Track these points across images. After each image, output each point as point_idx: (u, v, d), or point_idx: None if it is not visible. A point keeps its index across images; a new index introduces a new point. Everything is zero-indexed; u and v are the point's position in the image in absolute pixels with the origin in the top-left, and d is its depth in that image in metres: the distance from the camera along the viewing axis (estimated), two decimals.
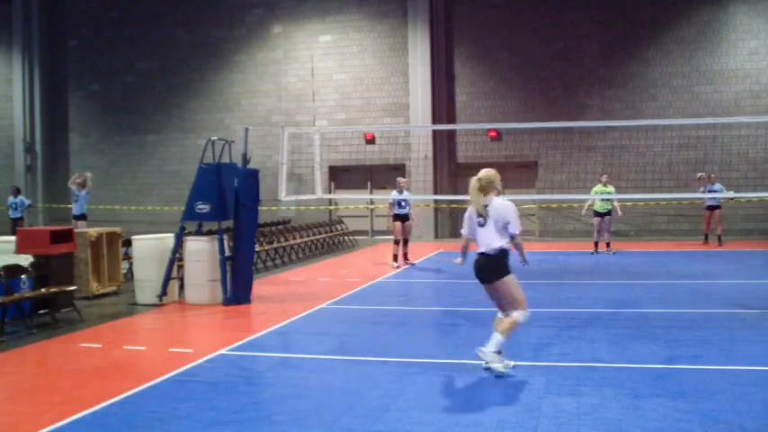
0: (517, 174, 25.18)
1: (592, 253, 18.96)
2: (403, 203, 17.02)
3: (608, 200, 18.68)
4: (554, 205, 24.32)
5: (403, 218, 17.11)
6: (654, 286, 13.49)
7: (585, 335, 9.31)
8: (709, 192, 19.59)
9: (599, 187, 18.86)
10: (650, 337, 9.03)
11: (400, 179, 17.60)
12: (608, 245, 19.10)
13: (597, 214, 19.09)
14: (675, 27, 23.56)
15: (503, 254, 7.53)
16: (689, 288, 13.20)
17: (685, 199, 21.86)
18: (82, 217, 17.17)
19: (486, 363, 7.41)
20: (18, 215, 23.25)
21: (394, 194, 17.20)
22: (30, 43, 29.18)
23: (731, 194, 19.51)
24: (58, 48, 29.52)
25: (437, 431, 5.83)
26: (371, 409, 6.39)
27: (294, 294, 13.39)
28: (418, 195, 21.55)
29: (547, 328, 9.80)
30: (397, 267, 16.72)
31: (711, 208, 20.40)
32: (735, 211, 22.55)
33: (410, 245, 17.71)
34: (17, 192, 23.96)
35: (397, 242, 17.23)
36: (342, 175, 26.12)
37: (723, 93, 23.21)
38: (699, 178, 20.08)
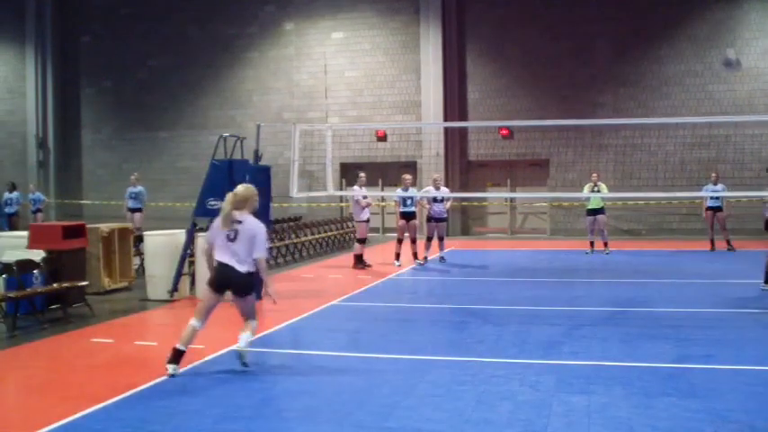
0: (528, 172, 25.17)
1: (587, 253, 18.60)
2: (408, 202, 16.92)
3: (589, 198, 18.42)
4: (565, 204, 24.27)
5: (409, 216, 17.01)
6: (665, 285, 13.44)
7: (596, 333, 9.30)
8: (711, 191, 18.75)
9: (590, 185, 18.49)
10: (661, 337, 9.00)
11: (405, 176, 17.36)
12: (605, 245, 18.70)
13: (589, 213, 18.67)
14: (688, 25, 23.45)
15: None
16: (701, 287, 13.16)
17: (698, 198, 21.74)
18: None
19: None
20: (38, 206, 24.22)
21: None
22: (42, 39, 29.33)
23: (729, 194, 19.05)
24: (71, 44, 29.65)
25: (447, 428, 5.83)
26: (382, 406, 6.39)
27: (305, 291, 13.41)
28: (419, 194, 21.49)
29: (557, 326, 9.79)
30: (400, 266, 16.62)
31: (713, 209, 19.03)
32: (747, 210, 22.40)
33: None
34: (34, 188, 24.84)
35: (400, 241, 17.13)
36: (353, 173, 26.10)
37: (736, 91, 23.10)
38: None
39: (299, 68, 26.83)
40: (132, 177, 22.44)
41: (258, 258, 7.76)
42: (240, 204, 7.81)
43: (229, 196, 7.85)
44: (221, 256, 7.70)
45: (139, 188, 22.09)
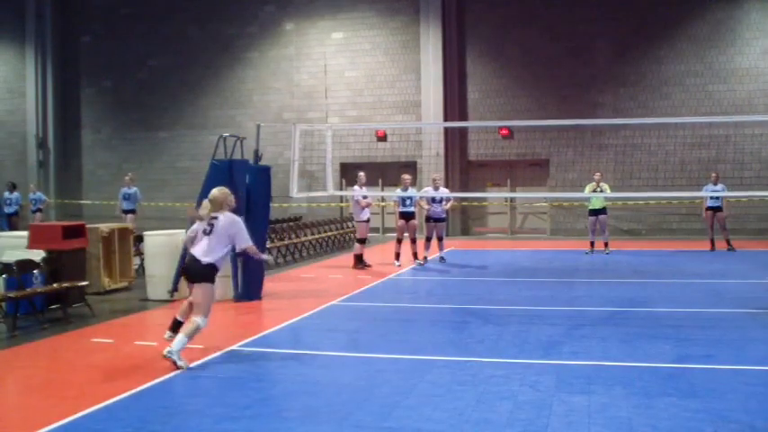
0: (528, 172, 25.17)
1: (587, 253, 18.57)
2: (407, 202, 16.91)
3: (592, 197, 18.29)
4: (565, 203, 24.27)
5: (408, 216, 17.00)
6: (665, 285, 13.44)
7: (596, 333, 9.30)
8: (711, 191, 18.79)
9: (592, 185, 18.33)
10: (661, 336, 9.00)
11: (404, 176, 17.35)
12: (606, 245, 18.71)
13: (591, 213, 18.61)
14: (688, 25, 23.46)
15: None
16: (701, 287, 13.16)
17: (698, 198, 21.73)
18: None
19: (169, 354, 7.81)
20: (38, 206, 24.36)
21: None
22: (42, 39, 29.34)
23: (729, 194, 19.04)
24: (71, 44, 29.65)
25: (447, 428, 5.83)
26: (381, 406, 6.39)
27: (305, 291, 13.41)
28: (418, 194, 21.49)
29: (558, 326, 9.79)
30: (399, 266, 16.62)
31: (713, 209, 19.05)
32: (748, 210, 22.45)
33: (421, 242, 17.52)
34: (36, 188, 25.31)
35: (399, 240, 17.12)
36: (353, 173, 26.09)
37: (736, 91, 23.10)
38: None
39: (299, 68, 26.83)
40: (126, 178, 22.35)
41: (245, 248, 8.37)
42: (217, 208, 8.29)
43: (205, 203, 8.38)
44: (194, 249, 8.18)
45: (134, 189, 22.01)
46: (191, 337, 7.93)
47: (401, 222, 16.98)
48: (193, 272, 8.10)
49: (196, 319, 7.95)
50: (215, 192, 8.38)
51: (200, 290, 8.05)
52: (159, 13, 28.26)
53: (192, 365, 7.81)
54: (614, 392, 6.65)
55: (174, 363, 7.69)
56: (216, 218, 8.17)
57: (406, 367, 7.83)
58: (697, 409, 6.13)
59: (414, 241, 17.08)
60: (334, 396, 6.78)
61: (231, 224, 8.18)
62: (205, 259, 8.02)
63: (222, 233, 8.11)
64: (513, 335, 9.26)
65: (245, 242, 8.28)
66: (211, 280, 8.10)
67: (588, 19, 24.02)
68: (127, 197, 21.88)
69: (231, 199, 8.46)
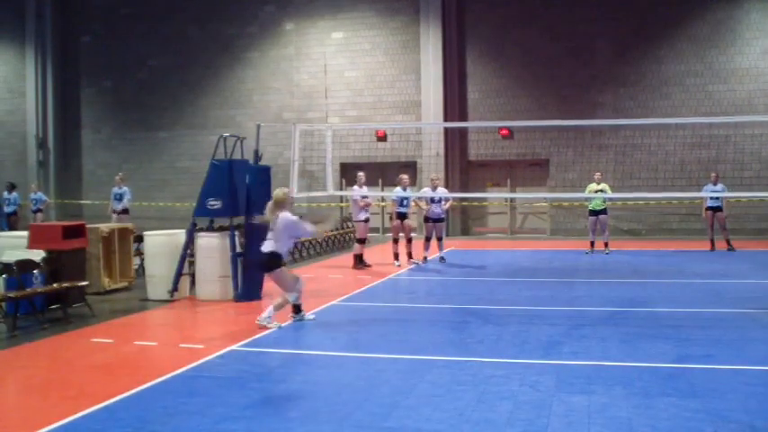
0: (528, 172, 25.16)
1: (587, 252, 18.60)
2: (405, 202, 16.91)
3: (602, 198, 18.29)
4: (565, 204, 24.27)
5: (402, 216, 16.99)
6: (665, 285, 13.44)
7: (596, 333, 9.29)
8: (711, 191, 18.77)
9: (593, 185, 18.43)
10: (661, 336, 9.00)
11: (402, 176, 17.31)
12: (606, 245, 18.73)
13: (592, 213, 18.64)
14: (688, 25, 23.45)
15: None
16: (701, 287, 13.16)
17: (698, 198, 21.73)
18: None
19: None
20: (39, 206, 24.46)
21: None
22: (42, 39, 29.34)
23: (729, 194, 19.01)
24: (71, 44, 29.65)
25: (447, 428, 5.83)
26: (382, 406, 6.39)
27: (305, 291, 13.34)
28: (416, 194, 21.46)
29: (558, 326, 9.79)
30: (399, 266, 16.62)
31: (713, 209, 19.04)
32: (748, 210, 22.44)
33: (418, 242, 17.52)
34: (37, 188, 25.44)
35: (395, 240, 17.13)
36: (353, 173, 26.06)
37: (736, 91, 23.08)
38: None
39: (298, 68, 26.82)
40: (117, 177, 22.30)
41: (305, 238, 10.47)
42: (279, 206, 9.91)
43: (269, 205, 10.06)
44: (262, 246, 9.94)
45: (124, 189, 21.95)
46: (278, 308, 9.93)
47: (396, 222, 17.02)
48: (260, 264, 10.07)
49: (286, 295, 9.99)
50: (276, 192, 10.08)
51: (273, 277, 10.01)
52: (159, 13, 28.26)
53: (191, 366, 7.81)
54: (614, 392, 6.66)
55: (265, 326, 9.69)
56: (277, 216, 9.81)
57: (405, 367, 7.83)
58: (697, 409, 6.13)
59: (410, 241, 17.09)
60: (333, 396, 6.78)
61: (287, 225, 9.83)
62: (266, 248, 9.79)
63: (281, 230, 9.82)
64: (513, 335, 9.26)
65: (306, 234, 10.48)
66: (276, 266, 9.85)
67: (588, 19, 24.02)
68: (118, 197, 21.85)
69: (291, 200, 10.26)
